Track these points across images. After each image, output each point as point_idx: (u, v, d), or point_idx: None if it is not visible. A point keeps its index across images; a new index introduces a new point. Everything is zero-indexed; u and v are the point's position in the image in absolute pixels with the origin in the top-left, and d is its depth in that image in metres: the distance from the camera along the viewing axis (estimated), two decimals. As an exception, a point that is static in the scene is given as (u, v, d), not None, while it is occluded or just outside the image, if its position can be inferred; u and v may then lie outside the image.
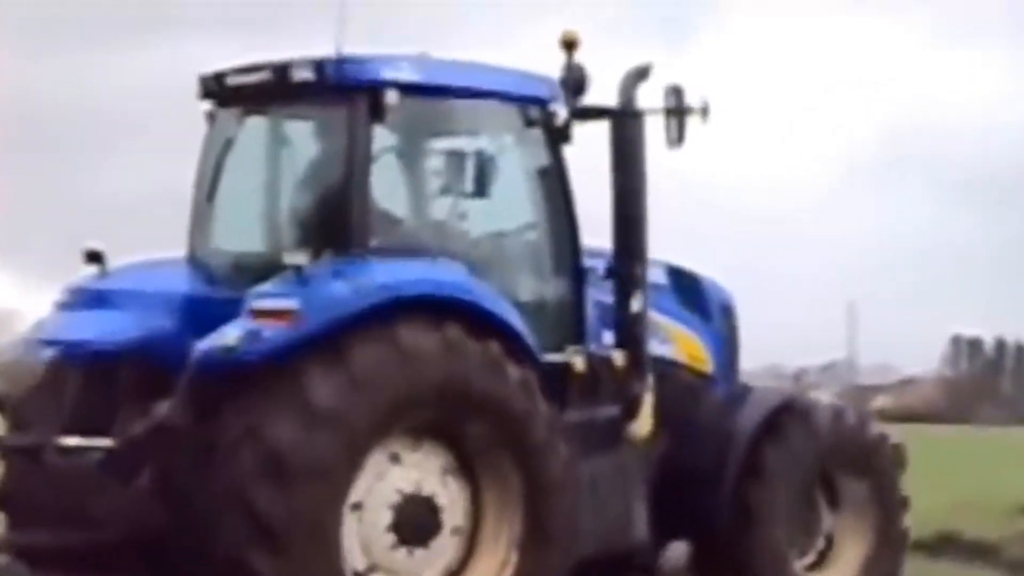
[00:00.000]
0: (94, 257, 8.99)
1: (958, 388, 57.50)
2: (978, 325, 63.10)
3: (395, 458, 8.48)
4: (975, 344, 69.96)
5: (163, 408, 8.39)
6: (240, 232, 9.33)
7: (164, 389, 8.42)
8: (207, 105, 9.32)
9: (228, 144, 9.27)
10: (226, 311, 8.42)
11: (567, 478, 8.78)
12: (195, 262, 9.26)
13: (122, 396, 8.57)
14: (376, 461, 8.39)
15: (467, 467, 8.66)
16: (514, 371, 8.64)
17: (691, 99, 9.44)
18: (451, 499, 8.61)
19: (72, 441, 8.38)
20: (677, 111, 9.44)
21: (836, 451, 10.23)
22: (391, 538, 8.44)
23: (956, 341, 69.02)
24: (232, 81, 9.13)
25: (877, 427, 10.60)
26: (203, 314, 8.66)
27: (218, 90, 9.22)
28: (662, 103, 9.48)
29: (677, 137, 9.47)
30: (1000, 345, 70.85)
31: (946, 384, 58.40)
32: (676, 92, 9.47)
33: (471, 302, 8.59)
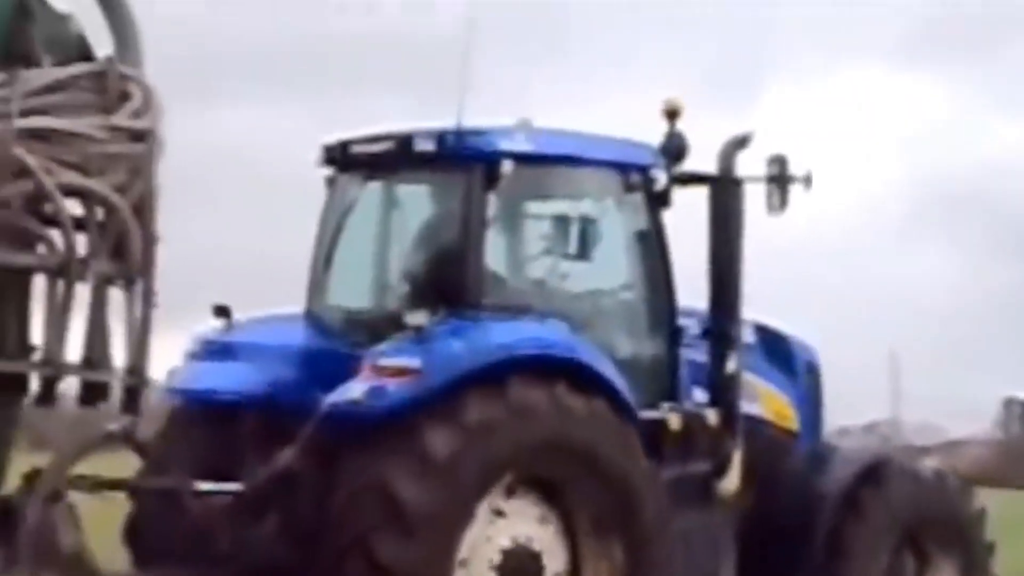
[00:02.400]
0: (221, 311, 10.22)
1: (1013, 452, 58.26)
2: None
3: (499, 512, 9.57)
4: (1030, 406, 70.64)
5: (286, 455, 9.52)
6: (356, 290, 10.52)
7: (285, 437, 9.57)
8: (327, 170, 10.54)
9: (347, 207, 10.48)
10: (343, 365, 9.57)
11: (664, 533, 9.84)
12: (313, 317, 10.45)
13: (246, 443, 9.75)
14: (483, 514, 9.48)
15: (567, 521, 9.73)
16: (616, 428, 9.70)
17: (794, 168, 10.57)
18: (552, 553, 9.68)
19: (206, 485, 9.55)
20: (780, 179, 10.60)
21: (928, 517, 11.10)
22: None
23: (1009, 404, 69.71)
24: (356, 149, 10.34)
25: (976, 497, 11.47)
26: (321, 367, 9.83)
27: (341, 157, 10.44)
28: (764, 171, 10.61)
29: (780, 204, 10.63)
30: (1056, 408, 71.49)
31: (1000, 447, 59.18)
32: (780, 161, 10.61)
33: (577, 360, 9.69)
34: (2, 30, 7.95)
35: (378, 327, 9.89)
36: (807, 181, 10.65)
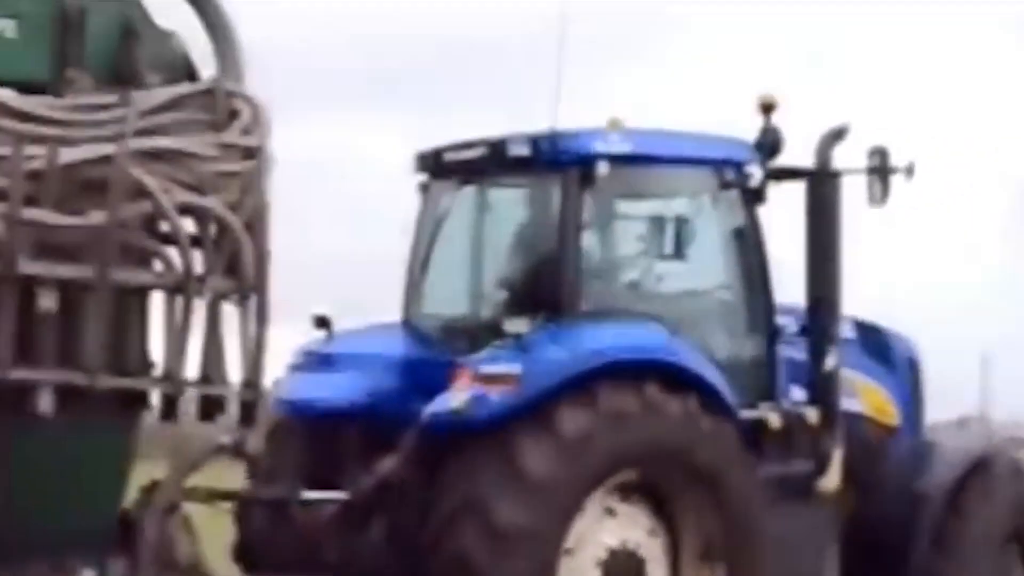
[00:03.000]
0: (322, 322, 10.55)
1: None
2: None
3: (610, 512, 9.86)
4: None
5: (388, 464, 9.85)
6: (453, 298, 10.83)
7: (386, 446, 9.89)
8: (421, 177, 10.86)
9: (442, 214, 10.79)
10: (442, 373, 9.84)
11: (765, 533, 10.08)
12: (410, 326, 10.78)
13: (348, 452, 10.10)
14: (593, 509, 9.75)
15: (669, 523, 10.01)
16: (716, 430, 9.93)
17: (896, 159, 10.70)
18: (657, 565, 9.96)
19: (313, 495, 9.89)
20: (882, 171, 10.74)
21: None
22: None
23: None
24: (449, 157, 10.63)
25: None
26: (419, 376, 10.16)
27: (434, 165, 10.75)
28: (865, 163, 10.75)
29: (881, 196, 10.78)
30: None
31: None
32: (881, 153, 10.75)
33: (678, 364, 9.91)
34: (110, 50, 8.28)
35: (477, 335, 10.20)
36: (909, 172, 10.77)
